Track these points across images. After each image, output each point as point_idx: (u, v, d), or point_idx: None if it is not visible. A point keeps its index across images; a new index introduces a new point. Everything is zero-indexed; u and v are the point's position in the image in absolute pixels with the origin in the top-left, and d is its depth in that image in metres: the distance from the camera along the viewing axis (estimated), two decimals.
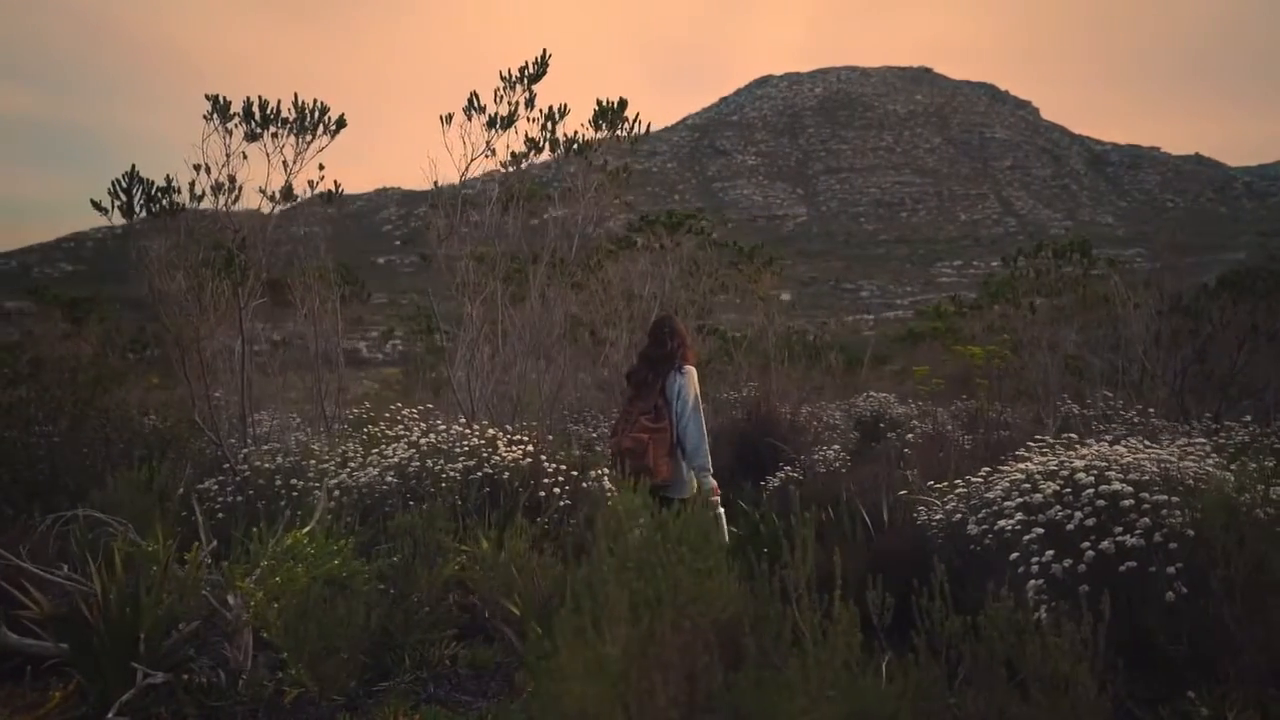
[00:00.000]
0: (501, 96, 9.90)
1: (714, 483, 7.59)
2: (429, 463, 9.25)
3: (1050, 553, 5.95)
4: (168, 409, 10.76)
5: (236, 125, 9.28)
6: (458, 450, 9.38)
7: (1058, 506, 6.20)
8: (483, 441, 9.45)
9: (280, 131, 9.34)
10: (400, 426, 10.09)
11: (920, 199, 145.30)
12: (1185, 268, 15.34)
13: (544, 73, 9.84)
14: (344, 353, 11.34)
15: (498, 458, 9.30)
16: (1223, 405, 11.81)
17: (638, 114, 10.51)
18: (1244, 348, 12.08)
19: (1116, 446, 6.75)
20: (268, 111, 9.27)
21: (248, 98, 9.16)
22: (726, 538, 7.67)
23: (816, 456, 10.80)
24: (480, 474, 9.17)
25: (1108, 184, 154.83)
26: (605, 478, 9.36)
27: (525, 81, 9.86)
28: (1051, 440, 7.53)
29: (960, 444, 10.02)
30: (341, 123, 9.50)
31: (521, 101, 9.86)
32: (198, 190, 9.38)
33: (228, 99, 9.17)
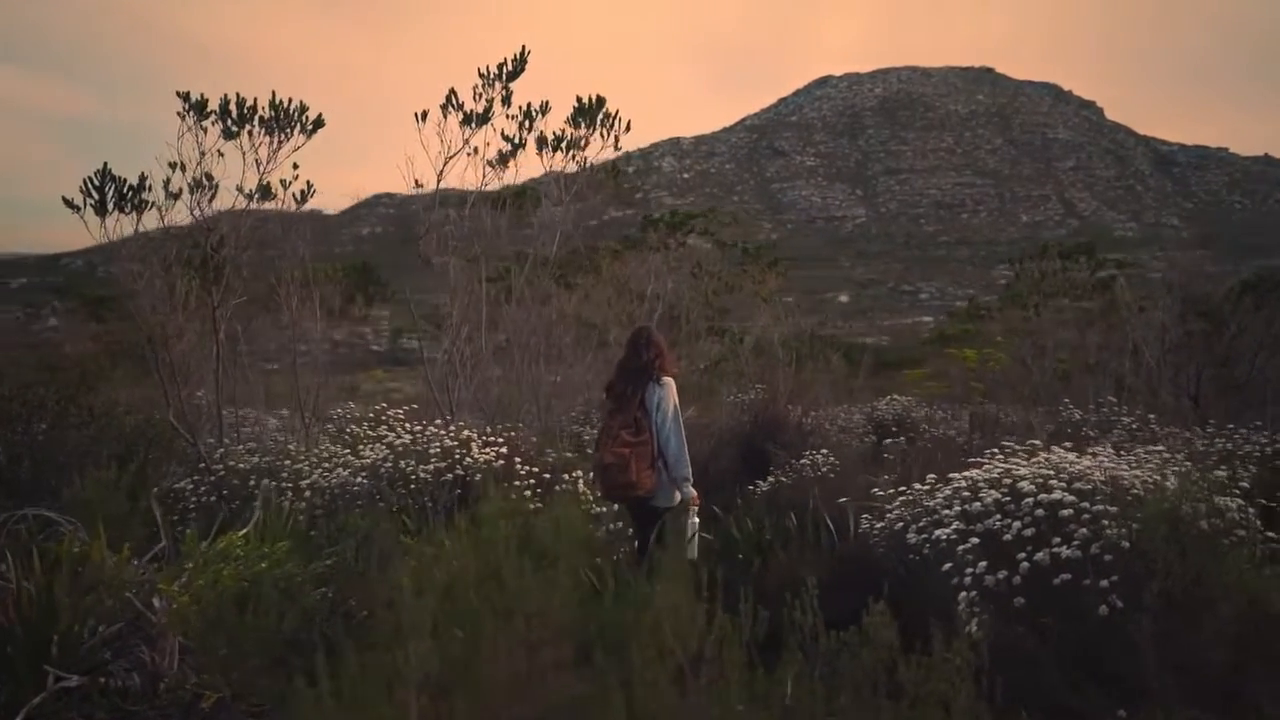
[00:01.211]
0: (480, 94, 9.77)
1: (693, 492, 7.56)
2: (403, 464, 9.17)
3: (984, 564, 5.74)
4: (147, 408, 10.73)
5: (213, 123, 9.22)
6: (431, 451, 9.29)
7: (998, 516, 5.98)
8: (456, 443, 9.36)
9: (256, 130, 9.25)
10: (384, 427, 10.03)
11: (981, 200, 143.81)
12: (1208, 272, 14.98)
13: (522, 70, 9.70)
14: (360, 350, 11.37)
15: (470, 459, 9.20)
16: (1238, 411, 11.49)
17: (617, 111, 10.28)
18: (1260, 353, 11.76)
19: (1068, 454, 6.50)
20: (244, 109, 9.19)
21: (225, 95, 9.11)
22: (694, 551, 7.51)
23: (804, 461, 10.58)
24: (451, 476, 9.08)
25: (1174, 185, 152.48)
26: (580, 480, 9.27)
27: (503, 79, 9.72)
28: (1016, 446, 7.29)
29: (940, 448, 9.77)
30: (319, 122, 9.42)
31: (498, 99, 9.71)
32: (173, 188, 9.32)
33: (204, 96, 9.12)
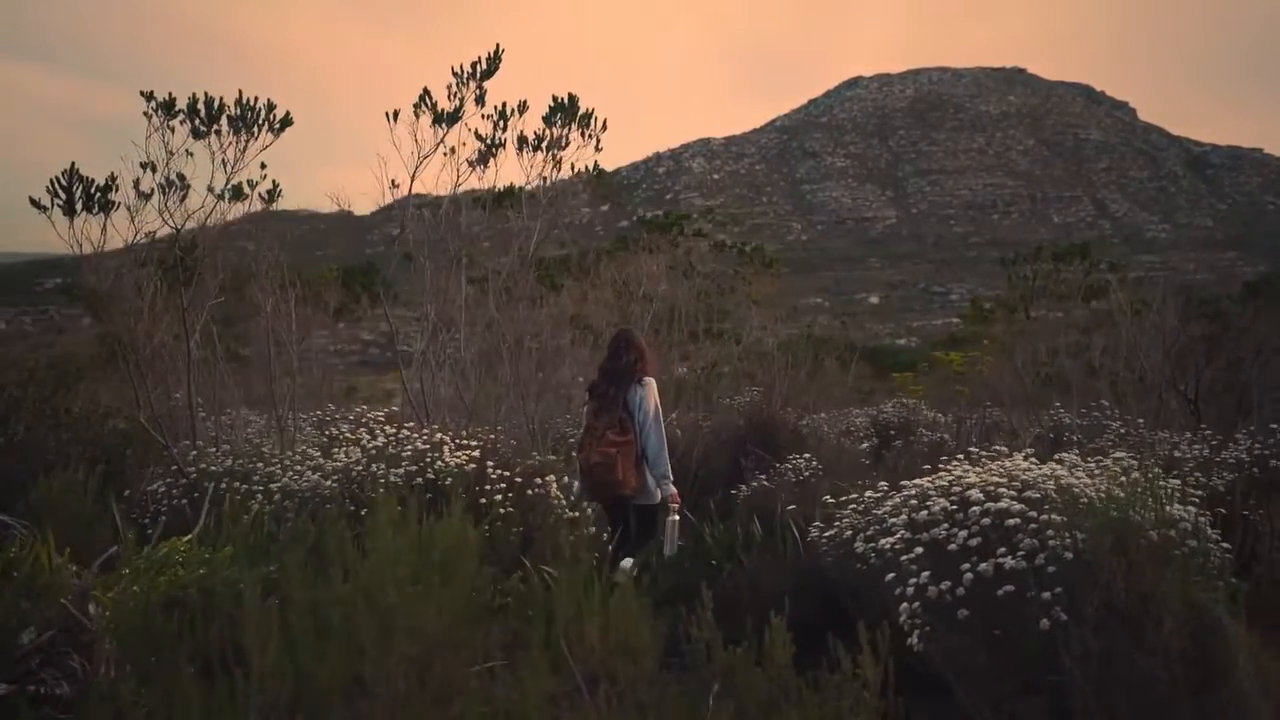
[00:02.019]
0: (455, 93, 9.67)
1: (673, 490, 7.91)
2: (374, 467, 9.07)
3: (926, 574, 5.59)
4: (133, 409, 10.68)
5: (181, 122, 9.14)
6: (403, 454, 9.18)
7: (945, 524, 5.82)
8: (427, 446, 9.24)
9: (225, 130, 9.17)
10: (362, 430, 9.93)
11: (1012, 201, 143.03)
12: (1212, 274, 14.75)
13: (495, 69, 9.59)
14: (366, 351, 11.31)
15: (441, 463, 9.08)
16: (1231, 416, 11.27)
17: (592, 110, 10.15)
18: (1260, 356, 11.55)
19: (1022, 461, 6.33)
20: (213, 108, 9.11)
21: (193, 94, 9.04)
22: (674, 548, 7.95)
23: (787, 465, 10.44)
24: (421, 480, 8.96)
25: (1207, 186, 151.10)
26: (553, 484, 9.16)
27: (477, 78, 9.61)
28: (979, 451, 7.12)
29: (908, 453, 9.60)
30: (287, 120, 9.33)
31: (470, 98, 9.60)
32: (144, 189, 9.25)
33: (172, 95, 9.05)
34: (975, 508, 5.73)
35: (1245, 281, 11.86)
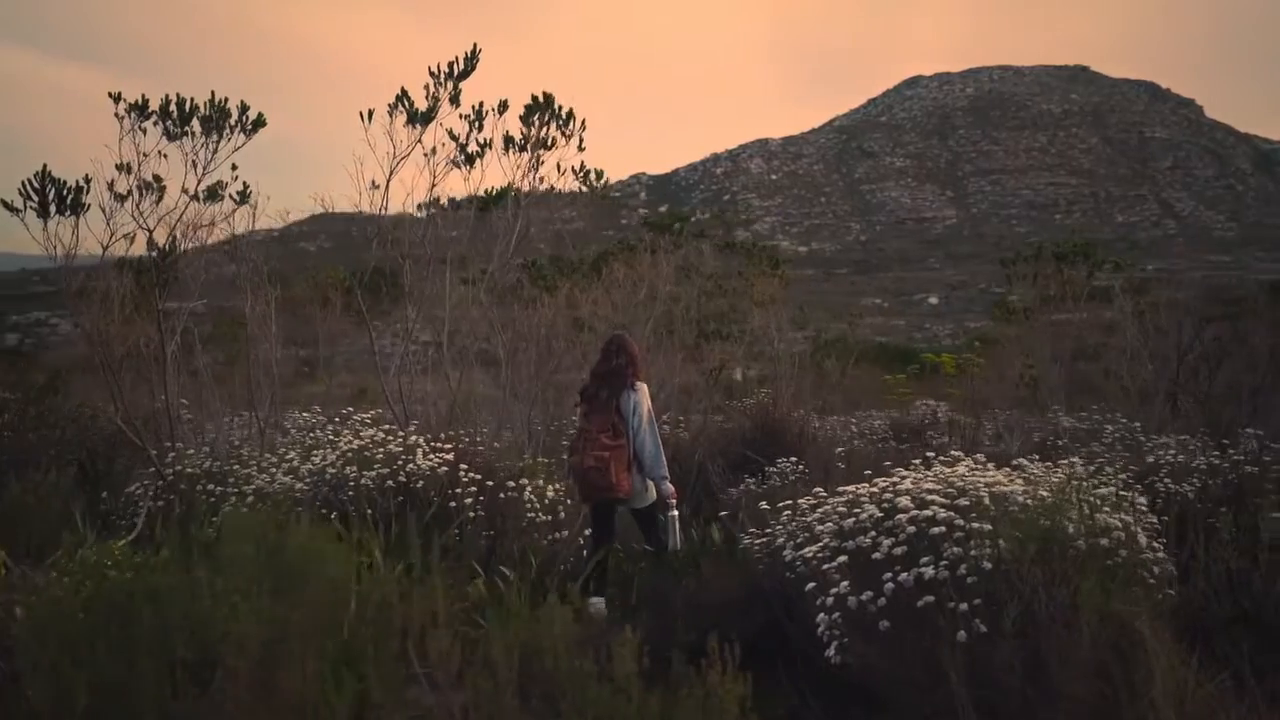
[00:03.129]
0: (433, 94, 9.60)
1: (671, 488, 8.03)
2: (348, 470, 9.02)
3: (845, 584, 5.42)
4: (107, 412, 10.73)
5: (154, 124, 9.14)
6: (376, 457, 9.12)
7: (873, 532, 5.65)
8: (401, 449, 9.18)
9: (197, 131, 9.16)
10: (347, 432, 9.89)
11: (1075, 201, 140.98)
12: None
13: (472, 69, 9.52)
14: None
15: (413, 466, 9.01)
16: (1230, 419, 10.97)
17: (570, 109, 10.04)
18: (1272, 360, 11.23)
19: (959, 467, 6.14)
20: (185, 110, 9.10)
21: (165, 95, 9.05)
22: (679, 542, 8.08)
23: (773, 469, 10.29)
24: (393, 483, 8.90)
25: (1276, 184, 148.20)
26: (526, 487, 9.08)
27: (454, 78, 9.53)
28: (933, 456, 6.92)
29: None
30: (259, 122, 9.31)
31: (445, 98, 9.53)
32: (119, 189, 9.26)
33: (145, 97, 9.06)
34: (901, 515, 5.55)
35: (1259, 280, 11.47)
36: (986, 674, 5.06)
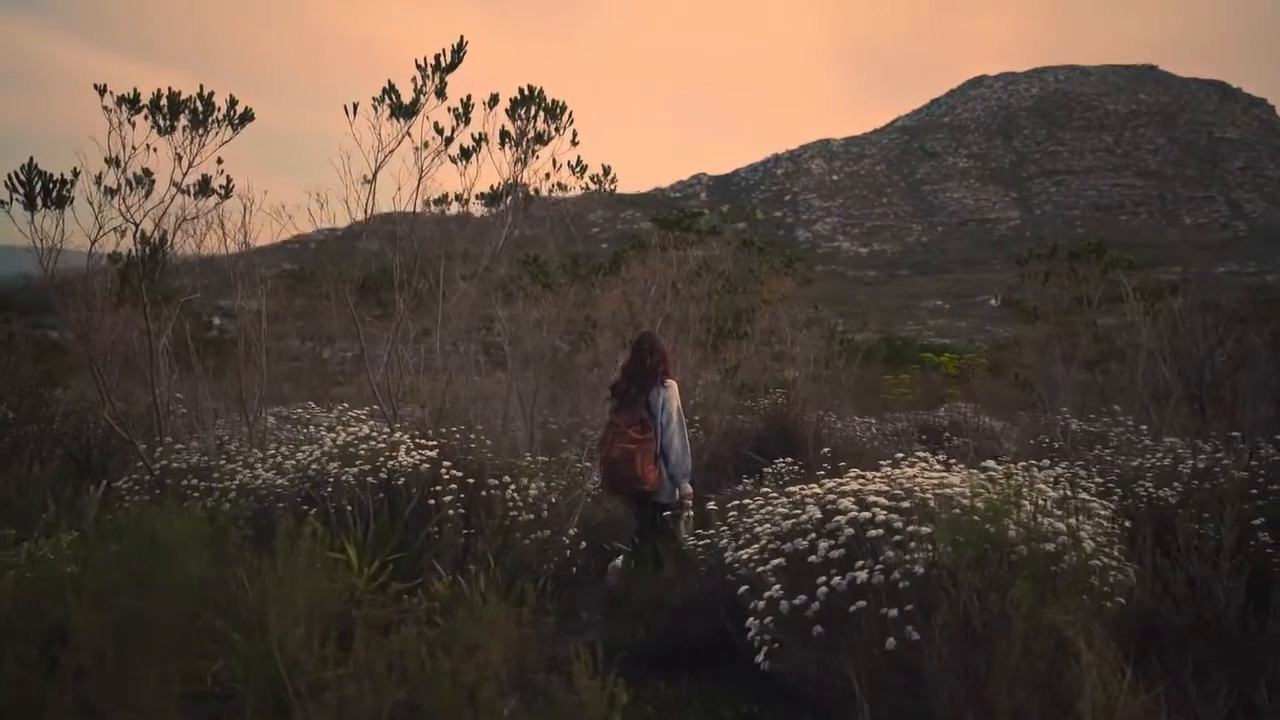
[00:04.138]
0: (421, 87, 9.50)
1: (689, 489, 8.23)
2: (330, 466, 8.95)
3: (778, 587, 5.24)
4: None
5: (145, 117, 9.13)
6: (360, 453, 9.04)
7: (813, 534, 5.47)
8: (384, 445, 9.09)
9: (185, 125, 9.13)
10: (341, 428, 9.83)
11: (1141, 202, 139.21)
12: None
13: (458, 62, 9.40)
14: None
15: (394, 463, 8.92)
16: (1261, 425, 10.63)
17: (563, 102, 9.91)
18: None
19: (908, 469, 5.94)
20: (175, 103, 9.07)
21: (156, 90, 9.03)
22: (690, 538, 7.96)
23: (768, 470, 10.13)
24: (373, 479, 8.80)
25: None
26: (510, 487, 8.97)
27: (441, 71, 9.43)
28: (902, 456, 6.72)
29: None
30: (246, 116, 9.26)
31: (432, 91, 9.42)
32: (107, 184, 9.24)
33: (137, 90, 9.05)
34: (840, 517, 5.37)
35: None
36: (919, 684, 4.87)
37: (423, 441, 9.32)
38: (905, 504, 5.42)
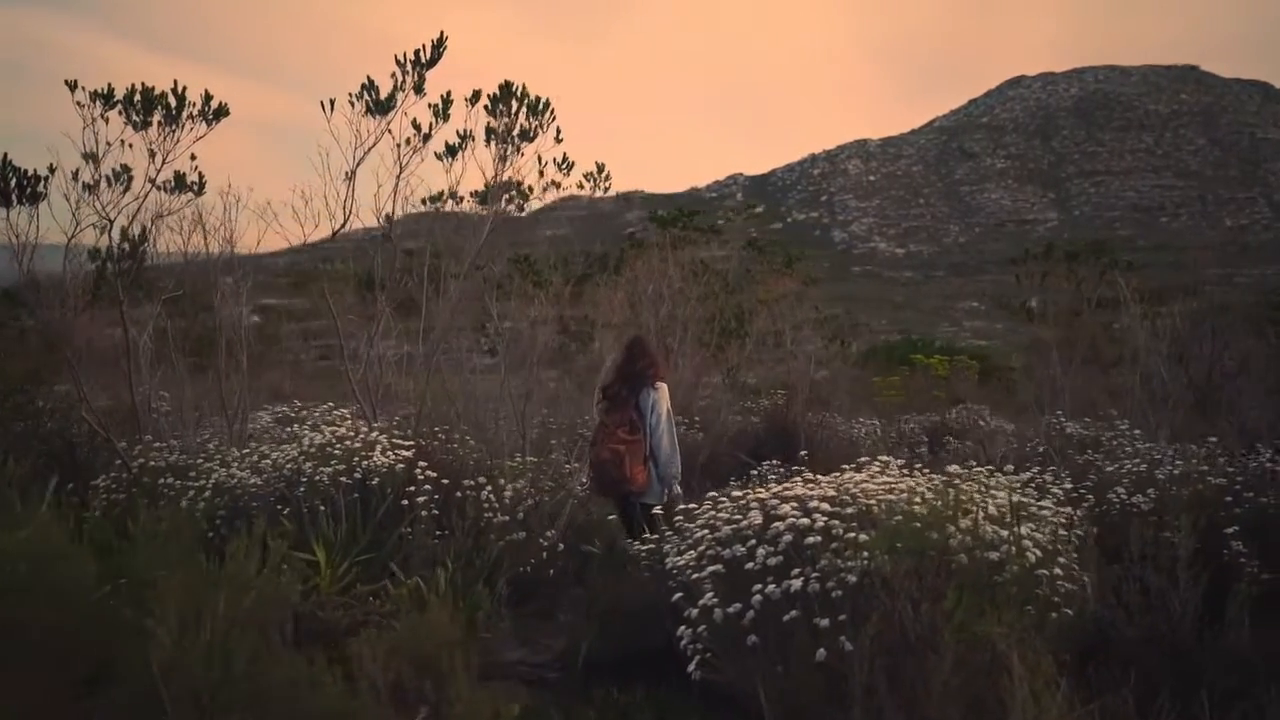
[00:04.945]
0: (400, 83, 9.42)
1: (679, 490, 8.21)
2: (306, 465, 8.89)
3: (710, 595, 5.10)
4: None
5: (119, 113, 9.08)
6: (335, 452, 8.96)
7: (752, 540, 5.31)
8: (360, 445, 9.01)
9: (161, 121, 9.08)
10: (326, 426, 9.76)
11: (1182, 203, 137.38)
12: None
13: (438, 58, 9.31)
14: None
15: (368, 462, 8.84)
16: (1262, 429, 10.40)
17: (538, 96, 9.79)
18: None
19: (859, 474, 5.77)
20: (150, 98, 9.01)
21: (131, 85, 8.97)
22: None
23: (754, 472, 10.01)
24: (347, 479, 8.73)
25: None
26: (487, 489, 8.88)
27: (421, 67, 9.33)
28: (866, 460, 6.55)
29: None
30: (220, 111, 9.20)
31: (410, 88, 9.33)
32: (84, 179, 9.21)
33: (111, 85, 9.00)
34: (778, 523, 5.22)
35: None
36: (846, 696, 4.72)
37: (399, 441, 9.25)
38: (849, 510, 5.26)
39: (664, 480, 8.17)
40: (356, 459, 8.85)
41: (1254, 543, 6.26)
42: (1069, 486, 7.05)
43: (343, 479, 8.68)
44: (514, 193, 11.02)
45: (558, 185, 11.07)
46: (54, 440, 10.30)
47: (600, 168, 11.70)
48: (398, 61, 9.37)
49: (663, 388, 8.29)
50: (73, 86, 8.80)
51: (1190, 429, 10.05)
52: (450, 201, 10.91)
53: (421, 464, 8.84)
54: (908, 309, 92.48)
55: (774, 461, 10.20)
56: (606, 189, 11.71)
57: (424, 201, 10.82)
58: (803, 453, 8.78)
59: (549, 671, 6.92)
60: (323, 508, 8.54)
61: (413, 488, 8.58)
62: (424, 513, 8.36)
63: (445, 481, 8.71)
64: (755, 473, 10.10)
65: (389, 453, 8.95)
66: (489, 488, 8.90)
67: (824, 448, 12.24)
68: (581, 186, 11.56)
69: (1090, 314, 12.03)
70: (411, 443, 9.21)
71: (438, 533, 8.51)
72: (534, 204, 11.37)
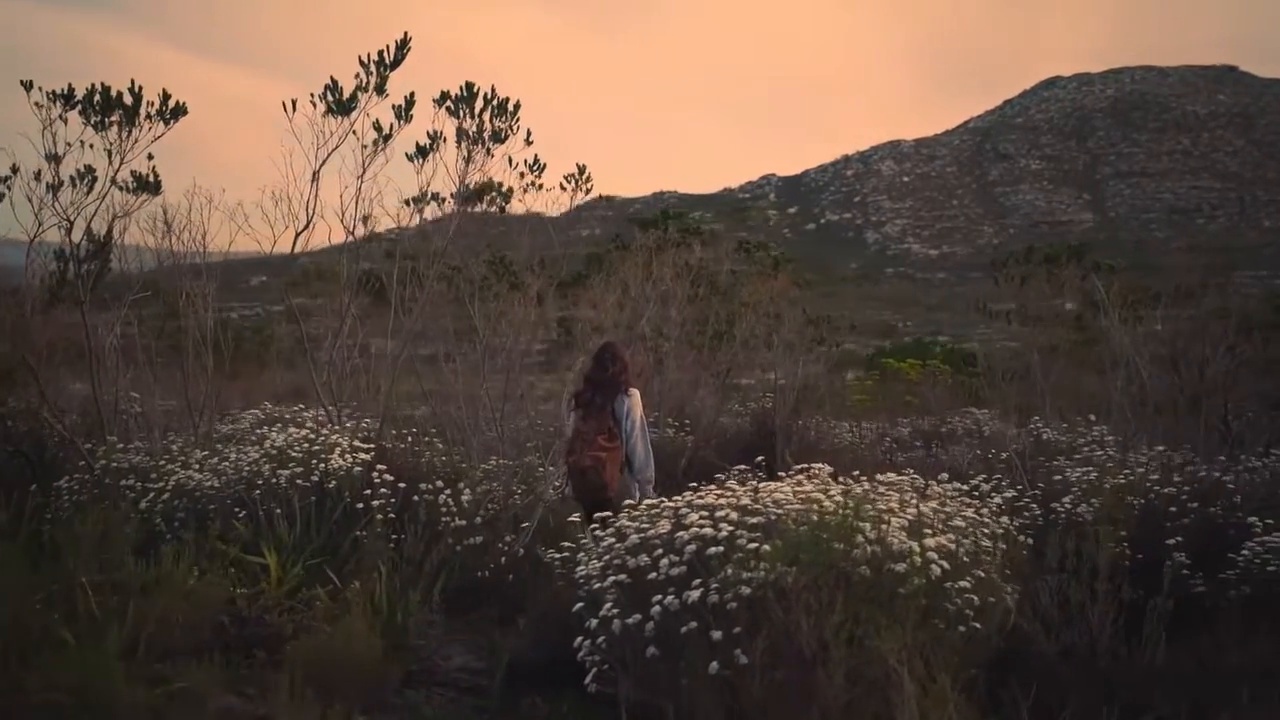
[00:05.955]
0: (366, 83, 9.36)
1: (653, 495, 7.90)
2: (266, 467, 8.85)
3: (610, 606, 5.00)
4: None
5: (79, 113, 9.06)
6: (293, 455, 8.92)
7: (659, 550, 5.21)
8: (319, 447, 8.96)
9: (120, 121, 9.05)
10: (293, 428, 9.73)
11: (1219, 205, 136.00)
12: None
13: (402, 59, 9.24)
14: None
15: (325, 465, 8.79)
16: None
17: (506, 98, 9.71)
18: None
19: (779, 484, 5.65)
20: (110, 99, 8.99)
21: (90, 85, 8.96)
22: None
23: (720, 476, 9.86)
24: (304, 482, 8.67)
25: None
26: (445, 492, 8.82)
27: (384, 68, 9.26)
28: (803, 468, 6.42)
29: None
30: (178, 110, 9.17)
31: (373, 88, 9.26)
32: (46, 179, 9.19)
33: (71, 85, 8.99)
34: (682, 533, 5.11)
35: None
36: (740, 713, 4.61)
37: (359, 444, 9.20)
38: (754, 520, 5.15)
39: (640, 483, 8.19)
40: (315, 461, 8.82)
41: (1194, 554, 6.12)
42: (1011, 495, 6.90)
43: (300, 481, 8.65)
44: (495, 194, 10.94)
45: (539, 186, 10.99)
46: (23, 441, 10.30)
47: (581, 170, 11.62)
48: (361, 62, 9.32)
49: (635, 394, 8.32)
50: (28, 87, 8.78)
51: (1177, 434, 9.88)
52: (433, 203, 10.84)
53: (380, 467, 8.79)
54: (940, 310, 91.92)
55: (743, 467, 10.04)
56: (588, 190, 11.62)
57: (408, 203, 10.76)
58: (787, 456, 8.71)
59: (487, 679, 6.81)
60: (278, 510, 8.49)
61: (369, 491, 8.54)
62: (379, 516, 8.31)
63: (402, 485, 8.66)
64: (720, 476, 9.97)
65: (348, 455, 8.91)
66: (447, 491, 8.86)
67: (810, 451, 12.13)
68: (564, 187, 11.48)
69: (1067, 318, 11.84)
70: (372, 445, 9.18)
71: (393, 536, 8.45)
72: (549, 206, 11.29)
